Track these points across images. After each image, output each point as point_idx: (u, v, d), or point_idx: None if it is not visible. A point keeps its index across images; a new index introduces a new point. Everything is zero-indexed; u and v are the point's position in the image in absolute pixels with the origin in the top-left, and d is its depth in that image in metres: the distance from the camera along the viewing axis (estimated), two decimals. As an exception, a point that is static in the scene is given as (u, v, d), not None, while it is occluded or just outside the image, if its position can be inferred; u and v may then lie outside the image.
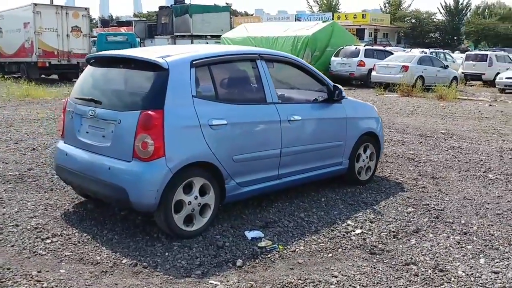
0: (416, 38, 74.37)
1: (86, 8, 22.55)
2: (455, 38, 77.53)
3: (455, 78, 21.71)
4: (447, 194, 6.01)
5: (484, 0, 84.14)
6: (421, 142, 9.20)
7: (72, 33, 21.78)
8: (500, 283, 3.74)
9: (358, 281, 3.73)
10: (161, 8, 32.94)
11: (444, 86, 18.44)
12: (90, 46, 22.66)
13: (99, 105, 4.55)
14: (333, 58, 22.97)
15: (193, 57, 4.56)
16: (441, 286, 3.69)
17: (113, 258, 4.09)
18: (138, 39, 28.62)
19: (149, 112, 4.17)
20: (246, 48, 6.33)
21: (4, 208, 5.24)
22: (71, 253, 4.18)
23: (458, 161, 7.78)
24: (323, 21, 26.18)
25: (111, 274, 3.85)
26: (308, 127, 5.44)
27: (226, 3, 34.84)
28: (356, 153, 6.07)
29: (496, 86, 21.68)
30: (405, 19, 75.90)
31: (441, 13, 78.86)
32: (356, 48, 22.93)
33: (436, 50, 32.00)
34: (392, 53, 23.80)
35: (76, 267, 3.95)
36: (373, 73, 20.92)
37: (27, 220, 4.87)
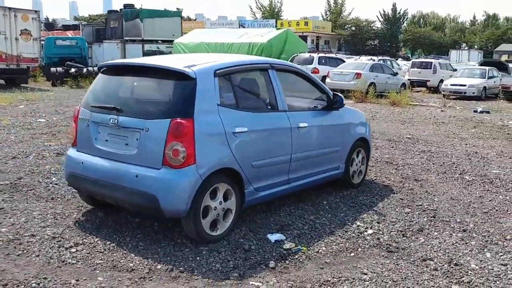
0: (356, 45, 76.86)
1: (36, 11, 21.91)
2: (393, 45, 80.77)
3: (403, 84, 22.79)
4: (434, 195, 6.44)
5: (419, 10, 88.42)
6: (393, 147, 9.69)
7: (21, 37, 21.03)
8: None
9: (388, 277, 4.01)
10: (110, 12, 32.30)
11: (395, 92, 19.31)
12: (40, 50, 21.93)
13: (121, 113, 4.58)
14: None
15: (216, 66, 4.70)
16: (462, 279, 4.03)
17: (146, 264, 4.15)
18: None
19: (180, 120, 4.27)
20: (258, 58, 6.49)
21: (10, 218, 5.14)
22: (102, 261, 4.19)
23: (433, 164, 8.29)
24: (277, 28, 26.66)
25: (150, 279, 3.91)
26: (313, 133, 5.70)
27: (177, 8, 34.67)
28: (351, 157, 6.39)
29: (442, 92, 22.95)
30: (346, 27, 78.29)
31: (380, 21, 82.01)
32: (310, 55, 23.56)
33: (384, 58, 33.34)
34: (344, 61, 24.63)
35: (113, 274, 3.98)
36: (328, 80, 21.55)
37: (41, 230, 4.82)
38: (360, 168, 6.67)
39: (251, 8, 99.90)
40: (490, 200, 6.29)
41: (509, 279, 4.06)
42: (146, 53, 29.62)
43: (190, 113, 4.32)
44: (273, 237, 4.73)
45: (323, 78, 22.25)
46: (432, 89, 25.55)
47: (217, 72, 4.64)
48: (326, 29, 75.02)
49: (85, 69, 22.61)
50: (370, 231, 5.02)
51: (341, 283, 3.89)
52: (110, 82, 5.06)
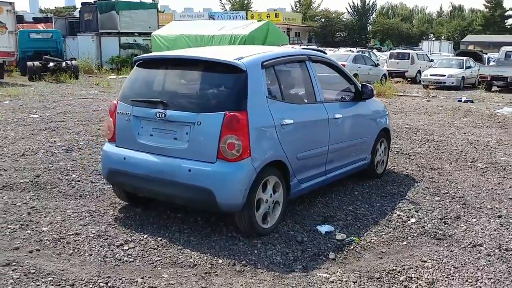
0: (326, 37, 77.43)
1: (11, 3, 21.09)
2: (362, 37, 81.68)
3: (384, 75, 23.10)
4: (456, 183, 6.56)
5: (388, 1, 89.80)
6: (397, 137, 9.81)
7: (-4, 30, 20.30)
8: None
9: (448, 263, 4.08)
10: (84, 4, 31.43)
11: (377, 83, 19.57)
12: (16, 43, 21.24)
13: (167, 107, 4.48)
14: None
15: (262, 58, 4.66)
16: (484, 258, 4.15)
17: (206, 259, 4.10)
18: (61, 37, 27.25)
19: (235, 113, 4.21)
20: (295, 49, 6.45)
21: (46, 217, 4.99)
22: (159, 258, 4.12)
23: (442, 153, 8.45)
24: (258, 20, 26.56)
25: (216, 274, 3.87)
26: (346, 124, 5.72)
27: (152, 0, 34.02)
28: (376, 147, 6.45)
29: (422, 82, 23.37)
30: (315, 19, 78.72)
31: (349, 12, 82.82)
32: (292, 47, 23.53)
33: (363, 49, 33.67)
34: (325, 53, 24.74)
35: (176, 270, 3.92)
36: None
37: (83, 228, 4.70)
38: (383, 158, 6.74)
39: (220, 0, 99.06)
40: (510, 187, 6.45)
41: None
42: (122, 46, 29.15)
43: (244, 106, 4.27)
44: (323, 228, 4.74)
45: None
46: (410, 79, 25.98)
47: (264, 63, 4.61)
48: (297, 21, 75.26)
49: (64, 63, 21.99)
50: (412, 220, 5.08)
51: (406, 271, 3.94)
52: (152, 75, 4.95)
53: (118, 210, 5.22)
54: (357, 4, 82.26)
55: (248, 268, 3.96)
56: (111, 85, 19.08)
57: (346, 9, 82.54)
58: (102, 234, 4.58)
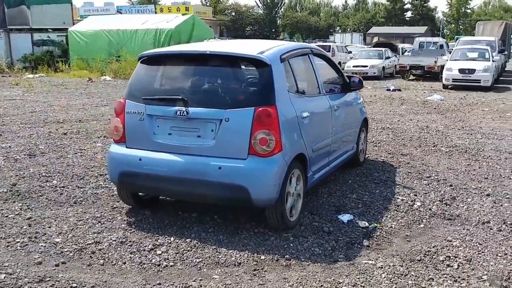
0: (237, 30, 77.88)
1: None
2: (273, 30, 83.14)
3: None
4: (432, 167, 6.97)
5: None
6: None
7: None
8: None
9: (472, 241, 4.37)
10: (-13, -2, 29.10)
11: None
12: None
13: (188, 105, 4.34)
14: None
15: (280, 51, 4.65)
16: (497, 233, 4.57)
17: (247, 257, 4.05)
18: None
19: (266, 108, 4.18)
20: (299, 43, 6.39)
21: (50, 227, 4.67)
22: (200, 259, 4.01)
23: (402, 139, 8.91)
24: (183, 14, 26.16)
25: (265, 271, 3.84)
26: (342, 115, 5.87)
27: (66, -6, 32.16)
28: (359, 136, 6.68)
29: (345, 74, 24.23)
30: (226, 12, 78.89)
31: (259, 6, 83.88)
32: (221, 41, 23.49)
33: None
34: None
35: (224, 270, 3.84)
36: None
37: (100, 236, 4.45)
38: (363, 146, 7.00)
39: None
40: (479, 168, 6.97)
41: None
42: (36, 43, 27.42)
43: (272, 100, 4.25)
44: (344, 217, 4.84)
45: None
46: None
47: (281, 57, 4.60)
48: (207, 15, 74.85)
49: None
50: (418, 203, 5.35)
51: (441, 250, 4.16)
52: (165, 72, 4.76)
53: (126, 215, 4.98)
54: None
55: (294, 262, 3.97)
56: (33, 85, 17.90)
57: (256, 3, 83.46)
58: (124, 240, 4.36)
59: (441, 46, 25.81)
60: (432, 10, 79.97)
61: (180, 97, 4.38)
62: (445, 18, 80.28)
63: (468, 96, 16.11)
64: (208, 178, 4.26)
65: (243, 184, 4.17)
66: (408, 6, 78.71)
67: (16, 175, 6.27)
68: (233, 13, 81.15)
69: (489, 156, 7.64)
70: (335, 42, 44.83)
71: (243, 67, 4.50)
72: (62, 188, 5.80)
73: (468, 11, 75.92)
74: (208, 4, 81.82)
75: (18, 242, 4.30)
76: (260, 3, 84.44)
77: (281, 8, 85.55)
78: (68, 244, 4.28)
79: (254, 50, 4.50)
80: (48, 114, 11.37)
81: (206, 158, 4.29)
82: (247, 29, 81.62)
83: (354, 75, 6.42)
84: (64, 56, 26.33)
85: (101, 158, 7.23)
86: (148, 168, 4.50)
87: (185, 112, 4.32)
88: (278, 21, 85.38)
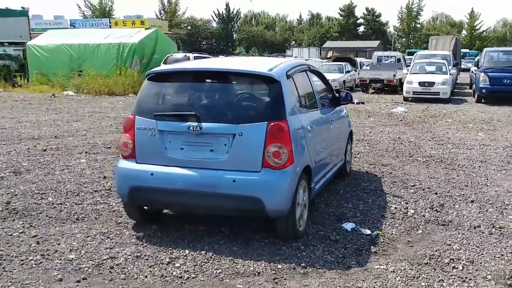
0: (193, 44, 77.97)
1: None
2: (229, 44, 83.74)
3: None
4: (414, 176, 7.33)
5: (250, 9, 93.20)
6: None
7: None
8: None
9: (469, 244, 4.69)
10: None
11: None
12: None
13: (201, 120, 4.47)
14: (162, 65, 23.11)
15: (285, 68, 4.86)
16: (489, 236, 4.91)
17: (265, 267, 4.19)
18: None
19: (278, 122, 4.37)
20: (299, 60, 6.58)
21: (59, 244, 4.68)
22: (219, 270, 4.12)
23: (379, 150, 9.28)
24: (146, 28, 26.04)
25: (285, 279, 4.00)
26: (334, 127, 6.14)
27: (22, 7, 31.46)
28: (346, 148, 6.96)
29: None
30: (182, 26, 78.87)
31: (215, 20, 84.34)
32: (185, 55, 23.62)
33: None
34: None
35: (246, 280, 3.98)
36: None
37: (113, 252, 4.50)
38: (349, 158, 7.29)
39: (79, 7, 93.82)
40: (457, 176, 7.39)
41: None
42: (-9, 58, 26.59)
43: (283, 115, 4.45)
44: (347, 226, 5.07)
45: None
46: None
47: (288, 73, 4.82)
48: (163, 28, 74.10)
49: None
50: (411, 211, 5.64)
51: (444, 253, 4.45)
52: (175, 88, 4.88)
53: (133, 230, 5.03)
54: (222, 12, 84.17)
55: (310, 270, 4.15)
56: (-5, 100, 17.43)
57: (212, 17, 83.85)
58: (139, 254, 4.41)
59: (399, 60, 26.82)
60: (384, 25, 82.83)
61: (193, 113, 4.51)
62: (396, 33, 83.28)
63: (430, 108, 16.83)
64: (223, 191, 4.39)
65: (257, 195, 4.33)
66: (360, 21, 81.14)
67: (8, 193, 6.17)
68: (189, 27, 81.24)
69: (464, 165, 8.09)
70: (296, 57, 45.73)
71: (254, 83, 4.68)
72: (60, 205, 5.78)
73: (418, 25, 79.06)
74: (163, 18, 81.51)
75: (31, 259, 4.29)
76: (216, 17, 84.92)
77: (237, 22, 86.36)
78: (83, 260, 4.30)
79: (263, 67, 4.69)
80: (20, 130, 11.13)
81: (219, 172, 4.43)
82: (203, 43, 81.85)
83: (343, 90, 6.69)
84: (21, 71, 25.65)
85: (90, 174, 7.20)
86: (160, 182, 4.58)
87: (198, 127, 4.45)
88: (234, 35, 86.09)
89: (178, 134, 4.58)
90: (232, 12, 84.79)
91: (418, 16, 78.75)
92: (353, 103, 6.50)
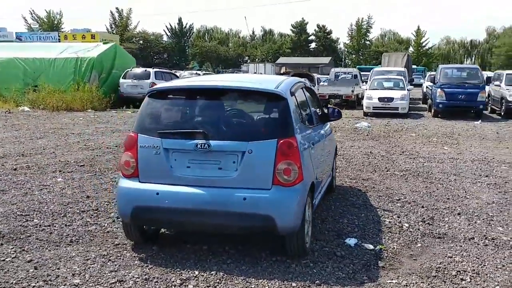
0: (145, 59, 77.17)
1: None
2: (182, 59, 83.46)
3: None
4: (396, 190, 7.51)
5: (203, 25, 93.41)
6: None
7: None
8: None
9: (470, 256, 4.84)
10: None
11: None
12: None
13: (209, 138, 4.41)
14: (122, 80, 22.74)
15: (288, 85, 4.90)
16: (485, 248, 5.09)
17: (280, 285, 4.17)
18: None
19: (288, 139, 4.38)
20: (296, 78, 6.54)
21: (59, 268, 4.49)
22: (235, 291, 4.06)
23: (355, 165, 9.46)
24: (104, 43, 25.52)
25: (302, 297, 3.98)
26: (327, 143, 6.22)
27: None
28: (333, 164, 7.06)
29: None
30: (133, 40, 77.99)
31: (167, 35, 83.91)
32: (145, 70, 23.29)
33: (208, 71, 34.58)
34: (177, 76, 25.02)
35: (264, 300, 3.92)
36: (169, 94, 21.62)
37: (118, 274, 4.36)
38: (334, 173, 7.38)
39: (26, 19, 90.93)
40: (437, 189, 7.62)
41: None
42: None
43: (292, 132, 4.47)
44: (351, 241, 5.12)
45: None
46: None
47: (291, 91, 4.85)
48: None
49: None
50: (406, 225, 5.76)
51: (448, 265, 4.57)
52: (180, 106, 4.80)
53: (133, 251, 4.88)
54: (175, 27, 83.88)
55: (325, 287, 4.15)
56: None
57: (164, 31, 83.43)
58: (148, 277, 4.28)
59: (355, 76, 27.48)
60: (334, 42, 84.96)
61: (201, 130, 4.45)
62: (346, 49, 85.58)
63: (391, 123, 17.32)
64: (233, 209, 4.34)
65: (269, 213, 4.30)
66: (312, 37, 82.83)
67: (-10, 215, 5.86)
68: (141, 41, 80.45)
69: (440, 178, 8.36)
70: (255, 72, 46.05)
71: (261, 101, 4.68)
72: (48, 227, 5.54)
73: (367, 42, 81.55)
74: (114, 32, 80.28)
75: (34, 286, 4.07)
76: (169, 31, 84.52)
77: (190, 37, 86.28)
78: (90, 285, 4.13)
79: (269, 84, 4.71)
80: (-18, 148, 10.62)
81: (229, 190, 4.38)
82: (155, 57, 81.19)
83: (333, 107, 6.80)
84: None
85: (71, 193, 6.95)
86: (167, 201, 4.48)
87: (206, 145, 4.39)
88: (187, 50, 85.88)
89: (184, 152, 4.50)
90: (185, 27, 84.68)
91: (368, 33, 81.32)
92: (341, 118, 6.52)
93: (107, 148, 10.93)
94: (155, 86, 4.99)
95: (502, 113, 19.18)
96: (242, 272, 4.39)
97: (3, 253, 4.80)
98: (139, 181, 4.62)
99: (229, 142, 4.42)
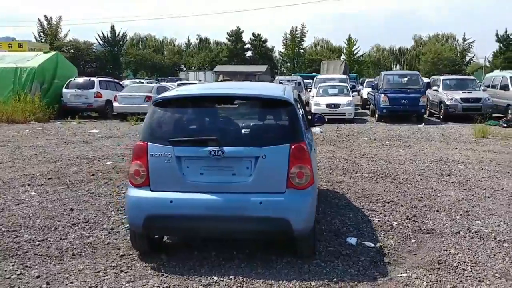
0: (77, 67, 74.65)
1: None
2: (116, 67, 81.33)
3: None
4: (371, 191, 7.86)
5: (137, 33, 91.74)
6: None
7: None
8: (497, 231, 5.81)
9: (463, 248, 5.19)
10: None
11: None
12: None
13: (221, 144, 4.49)
14: (65, 90, 21.99)
15: (291, 91, 5.08)
16: (505, 242, 5.47)
17: (300, 285, 4.31)
18: None
19: (299, 143, 4.55)
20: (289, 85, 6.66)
21: (72, 282, 4.40)
22: (259, 294, 4.15)
23: (324, 168, 9.77)
24: (45, 52, 24.55)
25: (324, 296, 4.14)
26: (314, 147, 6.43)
27: None
28: (315, 168, 7.30)
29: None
30: (64, 49, 75.30)
31: (99, 43, 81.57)
32: (89, 79, 22.67)
33: (163, 82, 34.10)
34: (121, 84, 24.53)
35: (291, 300, 4.05)
36: (115, 104, 21.21)
37: (136, 285, 4.35)
38: (314, 176, 7.63)
39: None
40: (408, 189, 8.05)
41: (507, 233, 5.69)
42: None
43: (301, 136, 4.64)
44: (352, 240, 5.35)
45: (108, 102, 21.85)
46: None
47: (294, 97, 5.03)
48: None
49: None
50: (395, 223, 6.08)
51: (448, 257, 4.91)
52: (190, 114, 4.83)
53: (142, 261, 4.86)
54: (107, 35, 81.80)
55: (343, 284, 4.34)
56: None
57: (96, 39, 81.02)
58: (168, 285, 4.30)
59: (299, 84, 28.13)
60: (270, 50, 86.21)
61: (214, 137, 4.52)
62: (281, 57, 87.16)
63: (340, 128, 17.91)
64: (250, 213, 4.44)
65: (284, 216, 4.44)
66: (248, 46, 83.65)
67: (-26, 233, 5.59)
68: (72, 50, 77.78)
69: (407, 178, 8.83)
70: (200, 81, 45.86)
71: (270, 107, 4.82)
72: (43, 242, 5.38)
73: (302, 51, 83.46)
74: (43, 40, 77.13)
75: (55, 301, 3.97)
76: (101, 39, 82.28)
77: (123, 45, 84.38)
78: (111, 297, 4.07)
79: (276, 91, 4.87)
80: None
81: (244, 195, 4.47)
82: (87, 66, 78.72)
83: (317, 113, 7.05)
84: None
85: (52, 207, 6.75)
86: (181, 209, 4.50)
87: (220, 151, 4.47)
88: (121, 58, 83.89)
89: (197, 159, 4.55)
90: (118, 35, 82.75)
91: (302, 42, 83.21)
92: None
93: (69, 160, 10.61)
94: (161, 95, 4.99)
95: (441, 116, 20.38)
96: (259, 275, 4.49)
97: (6, 270, 4.63)
98: (151, 190, 4.61)
99: (243, 148, 4.52)
